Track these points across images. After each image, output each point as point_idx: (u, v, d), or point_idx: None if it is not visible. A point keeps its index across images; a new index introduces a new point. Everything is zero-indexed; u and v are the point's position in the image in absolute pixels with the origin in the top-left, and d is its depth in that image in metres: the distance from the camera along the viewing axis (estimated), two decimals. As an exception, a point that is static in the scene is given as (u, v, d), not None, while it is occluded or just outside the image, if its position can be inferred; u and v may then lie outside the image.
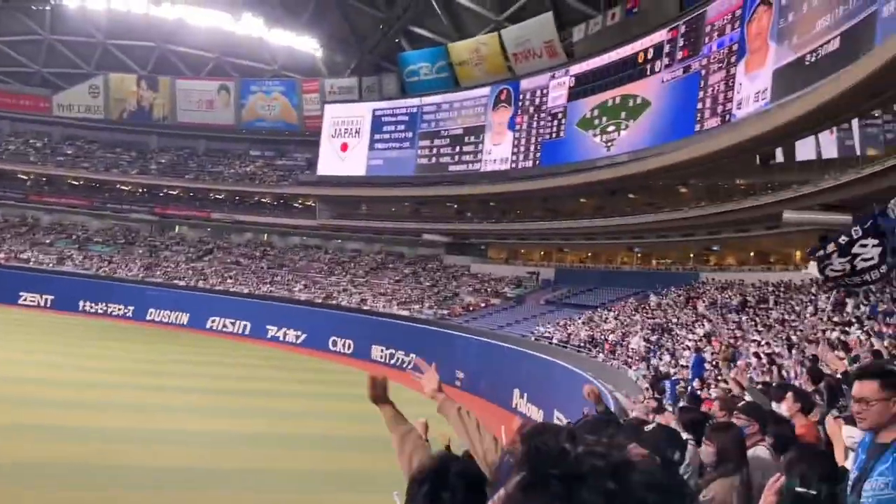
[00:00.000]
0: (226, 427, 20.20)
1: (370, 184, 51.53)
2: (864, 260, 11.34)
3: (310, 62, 57.47)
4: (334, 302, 46.43)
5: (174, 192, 60.47)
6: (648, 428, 5.05)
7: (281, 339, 44.16)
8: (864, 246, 10.95)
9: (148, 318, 47.28)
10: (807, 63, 24.84)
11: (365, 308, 44.64)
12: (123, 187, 61.40)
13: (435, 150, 48.97)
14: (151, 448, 16.97)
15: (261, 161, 61.58)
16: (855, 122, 22.68)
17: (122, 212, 59.66)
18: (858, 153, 22.71)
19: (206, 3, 53.14)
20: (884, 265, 11.25)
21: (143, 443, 17.27)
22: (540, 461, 0.93)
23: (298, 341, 43.61)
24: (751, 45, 29.21)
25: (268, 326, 44.92)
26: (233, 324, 46.02)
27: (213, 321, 46.35)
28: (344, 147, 53.17)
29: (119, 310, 48.12)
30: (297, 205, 57.83)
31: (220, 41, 58.20)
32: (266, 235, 59.43)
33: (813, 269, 19.11)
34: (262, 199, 59.18)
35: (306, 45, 54.65)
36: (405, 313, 42.80)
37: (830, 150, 23.99)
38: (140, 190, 61.15)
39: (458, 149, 47.69)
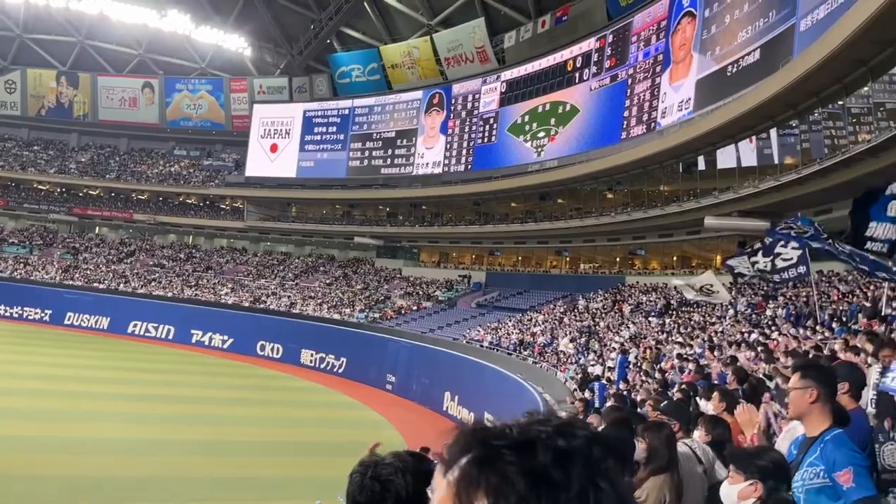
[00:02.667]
0: (146, 434, 19.51)
1: (301, 185, 50.78)
2: (784, 259, 11.83)
3: (238, 61, 56.29)
4: (262, 306, 45.49)
5: (94, 192, 58.27)
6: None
7: (206, 343, 42.97)
8: (785, 247, 11.43)
9: (66, 322, 45.29)
10: (728, 74, 25.74)
11: (294, 312, 43.90)
12: (41, 186, 58.79)
13: (367, 153, 48.64)
14: (67, 456, 16.24)
15: (186, 161, 59.95)
16: (773, 132, 23.60)
17: (40, 212, 57.08)
18: (776, 162, 23.63)
19: (130, -1, 51.48)
20: (802, 265, 11.81)
21: (58, 451, 16.53)
22: (487, 436, 0.96)
23: (225, 346, 42.52)
24: (675, 56, 30.08)
25: (193, 331, 43.63)
26: (156, 328, 44.53)
27: (134, 325, 44.75)
28: (273, 148, 52.25)
29: (35, 314, 45.96)
30: (224, 206, 56.52)
31: (144, 38, 56.58)
32: (191, 237, 57.84)
33: (709, 276, 19.88)
34: (188, 200, 57.59)
35: (235, 43, 53.51)
36: (336, 317, 42.29)
37: (750, 158, 24.91)
38: (58, 189, 58.68)
39: (390, 151, 47.50)
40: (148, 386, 27.15)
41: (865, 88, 19.40)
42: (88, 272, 51.17)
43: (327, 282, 48.67)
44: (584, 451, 0.94)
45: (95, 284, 49.13)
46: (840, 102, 20.29)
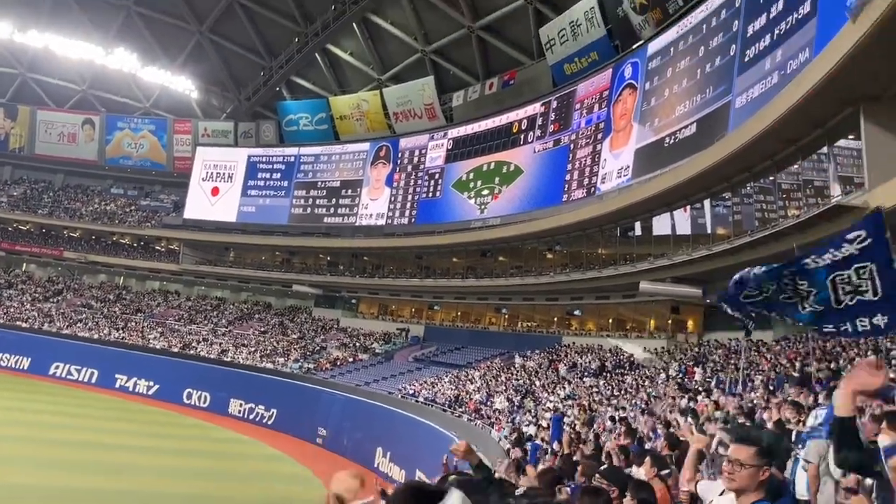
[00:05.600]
0: (57, 482, 18.38)
1: (241, 230, 49.94)
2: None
3: (184, 103, 55.74)
4: (192, 352, 44.05)
5: (25, 227, 56.07)
6: (519, 491, 4.95)
7: (130, 389, 41.26)
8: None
9: (-18, 361, 42.94)
10: (666, 145, 26.65)
11: (225, 359, 42.62)
12: (-34, 219, 56.30)
13: (310, 201, 48.32)
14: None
15: (123, 200, 58.44)
16: (707, 203, 24.38)
17: (-37, 245, 54.54)
18: (709, 231, 24.34)
19: (77, 35, 50.66)
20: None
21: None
22: None
23: (150, 392, 40.87)
24: (616, 125, 31.05)
25: (117, 375, 41.88)
26: (78, 371, 42.59)
27: (56, 367, 42.73)
28: (215, 191, 51.45)
29: (-50, 352, 43.51)
30: (159, 248, 55.07)
31: (89, 74, 55.63)
32: (122, 278, 55.98)
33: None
34: (122, 240, 55.92)
35: (181, 85, 53.07)
36: (269, 366, 41.22)
37: (684, 227, 25.61)
38: (-15, 223, 56.32)
39: (334, 201, 47.30)
40: (62, 430, 25.80)
41: (795, 166, 20.31)
42: (12, 310, 48.85)
43: (262, 329, 47.56)
44: None
45: (18, 323, 46.88)
46: (771, 178, 21.16)
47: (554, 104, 36.26)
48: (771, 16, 21.17)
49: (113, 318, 49.28)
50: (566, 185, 33.60)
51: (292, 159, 50.04)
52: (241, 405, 38.12)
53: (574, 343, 34.13)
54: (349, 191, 46.83)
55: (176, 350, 44.17)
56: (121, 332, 46.83)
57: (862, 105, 16.00)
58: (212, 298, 53.86)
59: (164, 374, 41.19)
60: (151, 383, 41.29)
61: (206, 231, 50.64)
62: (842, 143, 18.34)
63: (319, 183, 48.42)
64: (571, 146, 34.12)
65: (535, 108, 37.42)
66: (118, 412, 33.73)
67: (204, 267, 51.78)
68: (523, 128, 37.90)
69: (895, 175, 14.55)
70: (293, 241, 48.07)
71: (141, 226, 54.52)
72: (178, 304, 52.66)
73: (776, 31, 20.66)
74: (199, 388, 39.91)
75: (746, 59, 22.35)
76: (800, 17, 19.40)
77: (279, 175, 50.09)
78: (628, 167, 29.15)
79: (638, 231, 29.43)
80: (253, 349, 43.92)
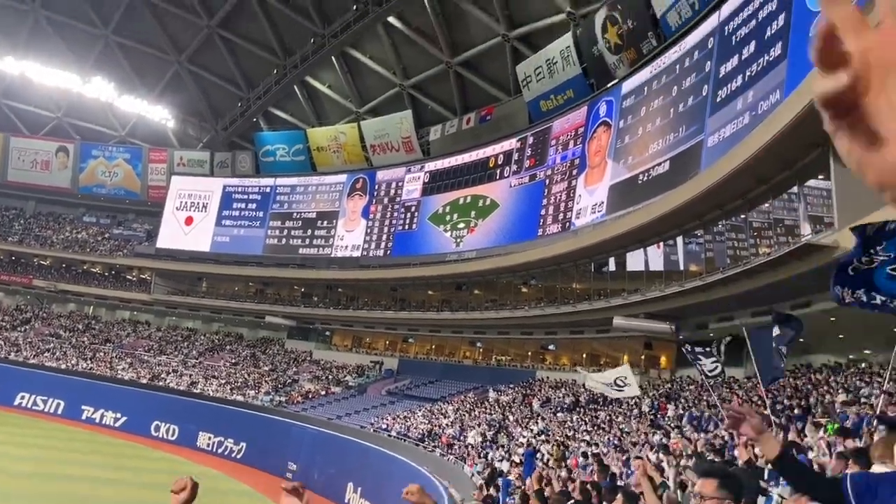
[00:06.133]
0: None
1: (214, 260, 49.38)
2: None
3: (160, 132, 55.48)
4: (161, 383, 43.19)
5: (-7, 254, 55.04)
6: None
7: (98, 421, 40.22)
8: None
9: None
10: (640, 182, 26.95)
11: (195, 391, 41.82)
12: (-68, 244, 55.08)
13: (286, 232, 48.04)
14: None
15: (95, 228, 57.67)
16: (679, 240, 24.61)
17: (-72, 271, 53.28)
18: (682, 268, 24.53)
19: (54, 62, 50.38)
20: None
21: None
22: None
23: (117, 424, 39.87)
24: (591, 161, 31.39)
25: (84, 406, 40.84)
26: (45, 401, 41.44)
27: (22, 397, 41.54)
28: (189, 221, 50.98)
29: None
30: (130, 277, 54.23)
31: (65, 102, 55.22)
32: (92, 308, 54.95)
33: (624, 369, 20.41)
34: (92, 269, 55.03)
35: (158, 114, 52.88)
36: (239, 398, 40.50)
37: (657, 263, 25.80)
38: (-48, 249, 55.12)
39: (309, 232, 47.07)
40: (27, 462, 24.99)
41: (766, 205, 20.60)
42: (-24, 338, 47.69)
43: (233, 361, 46.84)
44: None
45: (-17, 352, 45.76)
46: (743, 216, 21.43)
47: (530, 140, 36.60)
48: (743, 57, 21.66)
49: (81, 348, 48.26)
50: (541, 220, 33.77)
51: (268, 190, 49.83)
52: (209, 438, 37.31)
53: (548, 377, 34.01)
54: (325, 222, 46.65)
55: (144, 381, 43.27)
56: (89, 362, 45.84)
57: (831, 146, 16.28)
58: (182, 329, 53.03)
59: (132, 405, 40.25)
60: (119, 415, 40.31)
61: (178, 261, 50.02)
62: (812, 182, 18.67)
63: (295, 214, 48.21)
64: (547, 181, 34.37)
65: (511, 143, 37.74)
66: (84, 444, 32.82)
67: (175, 297, 51.07)
68: (500, 162, 38.16)
69: (864, 215, 14.76)
70: (267, 271, 47.62)
71: (112, 255, 53.76)
72: (148, 335, 51.76)
73: (748, 73, 21.12)
74: (167, 420, 39.02)
75: (718, 99, 22.79)
76: (771, 59, 19.87)
77: (254, 205, 49.80)
78: (603, 203, 29.40)
79: (612, 266, 29.59)
80: (223, 381, 43.17)
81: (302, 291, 49.04)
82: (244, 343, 50.36)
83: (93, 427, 39.15)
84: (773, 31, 20.10)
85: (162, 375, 44.32)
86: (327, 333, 48.41)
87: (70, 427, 37.56)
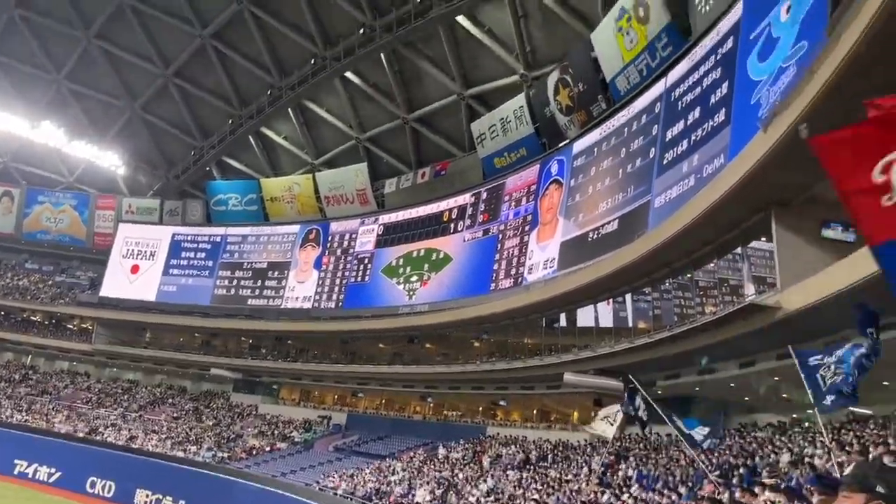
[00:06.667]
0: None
1: (160, 310, 48.10)
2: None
3: (109, 178, 54.60)
4: (99, 437, 41.43)
5: (-74, 301, 52.73)
6: None
7: (30, 476, 38.34)
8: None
9: None
10: (590, 239, 27.36)
11: (134, 446, 40.19)
12: None
13: (235, 282, 47.22)
14: None
15: (38, 275, 55.89)
16: (629, 297, 24.95)
17: None
18: (631, 325, 24.81)
19: (2, 106, 49.41)
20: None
21: None
22: None
23: (51, 480, 38.06)
24: (543, 218, 31.82)
25: (16, 461, 38.94)
26: (-27, 455, 39.33)
27: (-51, 452, 39.37)
28: (135, 269, 49.77)
29: None
30: (71, 326, 52.49)
31: (12, 146, 54.01)
32: (30, 357, 52.83)
33: (601, 426, 20.08)
34: (32, 317, 53.09)
35: (108, 160, 52.12)
36: (180, 454, 39.02)
37: (607, 319, 26.07)
38: None
39: (259, 282, 46.34)
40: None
41: (712, 265, 21.08)
42: None
43: (175, 415, 45.29)
44: None
45: None
46: (689, 275, 21.87)
47: (484, 195, 37.02)
48: (688, 122, 22.40)
49: (17, 399, 46.16)
50: (494, 275, 33.92)
51: (219, 239, 49.11)
52: (147, 496, 35.76)
53: (499, 434, 33.68)
54: (276, 273, 46.06)
55: (81, 435, 41.45)
56: (24, 414, 43.81)
57: (773, 210, 16.85)
58: (123, 381, 51.25)
59: (67, 460, 38.48)
60: (53, 470, 38.46)
61: (122, 310, 48.59)
62: (756, 244, 19.19)
63: (245, 264, 47.51)
64: (500, 236, 34.68)
65: (465, 198, 38.10)
66: (15, 500, 31.17)
67: (118, 347, 49.42)
68: (454, 217, 38.42)
69: (805, 277, 15.20)
70: (214, 322, 46.53)
71: (54, 302, 52.03)
72: (87, 386, 49.84)
73: (693, 137, 21.81)
74: (103, 476, 37.33)
75: (665, 161, 23.44)
76: (715, 124, 20.58)
77: (204, 255, 48.96)
78: (554, 259, 29.72)
79: (563, 322, 29.81)
80: (164, 436, 41.62)
81: (250, 343, 48.06)
82: (187, 396, 48.83)
83: (25, 482, 37.36)
84: (716, 99, 20.88)
85: (100, 429, 42.55)
86: (274, 387, 47.31)
87: (1, 482, 35.70)
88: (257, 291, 46.16)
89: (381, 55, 38.95)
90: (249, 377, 46.54)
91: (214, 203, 50.31)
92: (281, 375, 45.99)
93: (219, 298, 47.22)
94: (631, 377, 13.54)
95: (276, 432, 41.70)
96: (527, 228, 32.92)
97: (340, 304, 42.35)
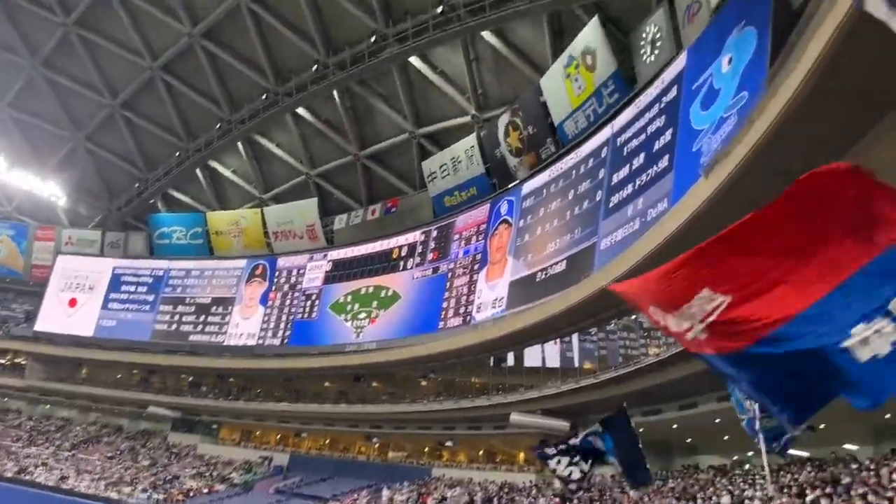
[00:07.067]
0: None
1: (97, 346, 46.42)
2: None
3: (49, 208, 53.01)
4: (28, 477, 39.47)
5: None
6: None
7: (-53, 521, 36.22)
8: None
9: None
10: (538, 279, 27.57)
11: (64, 487, 38.39)
12: None
13: (177, 317, 45.99)
14: None
15: (-32, 307, 53.53)
16: (575, 337, 25.14)
17: None
18: (577, 365, 24.96)
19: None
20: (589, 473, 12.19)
21: None
22: None
23: (-29, 524, 36.02)
24: (492, 257, 31.99)
25: (-67, 504, 36.76)
26: None
27: None
28: (73, 303, 48.12)
29: None
30: (3, 361, 50.18)
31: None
32: (-45, 393, 50.29)
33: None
34: (-39, 351, 50.68)
35: (49, 190, 50.68)
36: (113, 496, 37.41)
37: (554, 359, 26.20)
38: None
39: (203, 318, 45.23)
40: None
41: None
42: None
43: (109, 455, 43.51)
44: None
45: None
46: (633, 317, 22.16)
47: (434, 233, 37.09)
48: (633, 167, 22.94)
49: (-62, 437, 43.87)
50: (443, 313, 33.83)
51: (161, 273, 47.93)
52: (76, 541, 34.14)
53: (444, 475, 33.25)
54: (220, 308, 45.07)
55: (9, 475, 39.46)
56: (-56, 454, 41.61)
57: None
58: (57, 418, 49.15)
59: (-10, 503, 36.56)
60: (-26, 513, 36.48)
61: (58, 345, 46.79)
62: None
63: (188, 299, 46.39)
64: (449, 275, 34.69)
65: (415, 235, 38.10)
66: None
67: (52, 383, 47.39)
68: (403, 254, 38.33)
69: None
70: (154, 358, 45.09)
71: (-15, 336, 49.83)
72: (18, 424, 47.63)
73: (638, 182, 22.32)
74: (29, 520, 35.56)
75: (611, 204, 23.90)
76: (659, 170, 21.11)
77: (145, 289, 47.67)
78: (503, 298, 29.81)
79: (511, 361, 29.83)
80: (97, 476, 39.89)
81: (190, 381, 46.70)
82: (123, 435, 47.04)
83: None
84: (660, 145, 21.46)
85: (30, 469, 40.59)
86: (214, 426, 45.92)
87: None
88: (200, 327, 45.03)
89: (334, 92, 39.04)
90: (189, 416, 45.10)
91: (158, 236, 49.19)
92: (222, 414, 44.70)
93: (159, 334, 45.89)
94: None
95: (214, 473, 40.38)
96: (476, 267, 33.03)
97: (286, 341, 41.58)
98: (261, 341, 42.37)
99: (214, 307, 45.26)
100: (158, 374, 47.15)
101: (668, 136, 21.17)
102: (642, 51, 24.34)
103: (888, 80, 10.86)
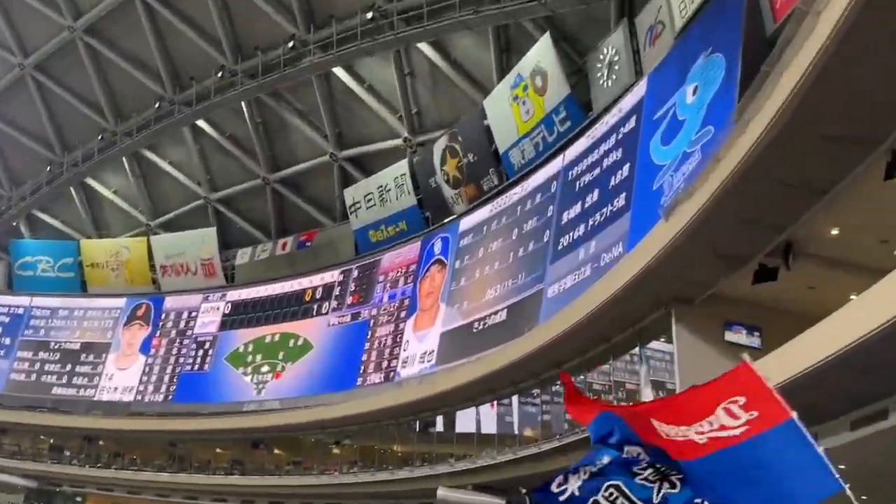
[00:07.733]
0: None
1: (-66, 398, 44.20)
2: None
3: None
4: None
5: None
6: None
7: None
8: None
9: None
10: (474, 330, 27.72)
11: None
12: None
13: (38, 366, 44.31)
14: None
15: None
16: (515, 399, 25.26)
17: None
18: (516, 432, 25.04)
19: None
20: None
21: None
22: None
23: None
24: (422, 304, 32.04)
25: None
26: None
27: None
28: None
29: None
30: None
31: None
32: None
33: None
34: None
35: None
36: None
37: (490, 424, 26.23)
38: None
39: (69, 367, 43.70)
40: None
41: (607, 366, 21.78)
42: None
43: (-58, 535, 41.19)
44: None
45: None
46: (582, 377, 22.47)
47: (355, 273, 36.96)
48: (586, 205, 23.47)
49: None
50: (362, 367, 33.56)
51: (21, 311, 46.18)
52: None
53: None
54: (91, 356, 43.64)
55: None
56: None
57: (674, 307, 17.72)
58: None
59: None
60: None
61: None
62: (655, 344, 20.04)
63: (53, 344, 44.77)
64: (371, 322, 34.53)
65: (333, 275, 37.88)
66: None
67: None
68: (318, 297, 38.02)
69: (703, 381, 15.92)
70: (6, 415, 43.11)
71: None
72: None
73: (591, 222, 22.84)
74: None
75: (560, 246, 24.35)
76: (614, 209, 21.67)
77: (0, 330, 45.83)
78: (433, 352, 29.79)
79: (440, 426, 29.67)
80: (-76, 562, 37.66)
81: (51, 443, 44.90)
82: (-39, 510, 44.67)
83: None
84: (617, 181, 22.07)
85: None
86: (78, 499, 44.14)
87: None
88: (66, 378, 43.46)
89: (242, 103, 38.82)
90: (47, 485, 43.20)
91: (19, 266, 47.53)
92: (87, 485, 42.99)
93: (15, 385, 44.07)
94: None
95: (75, 558, 38.66)
96: (403, 314, 32.99)
97: (171, 397, 40.52)
98: (139, 397, 41.19)
99: (84, 354, 43.83)
100: (11, 434, 45.10)
101: (625, 171, 21.79)
102: (599, 74, 25.13)
103: (872, 116, 11.43)
